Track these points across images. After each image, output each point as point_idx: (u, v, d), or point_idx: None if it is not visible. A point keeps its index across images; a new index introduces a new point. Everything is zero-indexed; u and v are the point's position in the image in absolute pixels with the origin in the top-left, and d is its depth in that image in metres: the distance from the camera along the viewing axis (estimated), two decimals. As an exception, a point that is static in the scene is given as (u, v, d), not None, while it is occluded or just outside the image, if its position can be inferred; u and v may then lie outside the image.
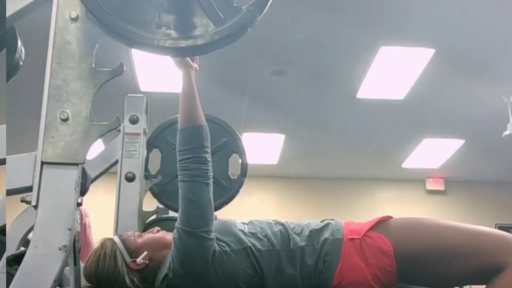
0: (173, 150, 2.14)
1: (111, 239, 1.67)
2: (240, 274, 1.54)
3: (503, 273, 1.44)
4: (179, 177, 1.58)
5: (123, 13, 1.12)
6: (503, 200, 7.77)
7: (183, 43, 1.12)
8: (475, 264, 1.49)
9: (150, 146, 2.19)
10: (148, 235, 1.69)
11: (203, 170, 1.57)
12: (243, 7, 1.13)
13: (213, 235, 1.55)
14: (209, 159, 1.59)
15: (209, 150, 1.61)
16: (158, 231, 1.72)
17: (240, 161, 2.20)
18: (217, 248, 1.54)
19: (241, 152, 2.19)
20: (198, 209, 1.54)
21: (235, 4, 1.14)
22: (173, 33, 1.12)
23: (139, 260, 1.60)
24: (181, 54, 1.40)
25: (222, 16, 1.12)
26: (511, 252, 1.47)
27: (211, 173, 1.59)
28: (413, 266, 1.53)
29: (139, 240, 1.66)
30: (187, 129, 1.60)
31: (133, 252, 1.63)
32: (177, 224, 1.56)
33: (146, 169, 2.18)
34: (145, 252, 1.62)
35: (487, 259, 1.48)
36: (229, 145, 2.17)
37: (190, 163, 1.56)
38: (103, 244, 1.65)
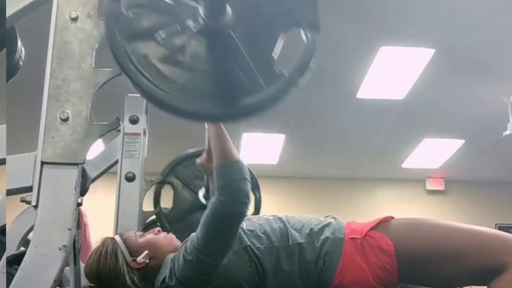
0: (185, 187, 2.09)
1: (112, 238, 1.68)
2: (242, 273, 1.55)
3: (504, 274, 1.45)
4: (213, 207, 1.48)
5: (163, 80, 1.06)
6: (503, 200, 7.77)
7: (224, 110, 1.06)
8: (475, 265, 1.49)
9: (162, 182, 2.17)
10: (149, 235, 1.70)
11: (241, 213, 1.49)
12: (285, 72, 1.09)
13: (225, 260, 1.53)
14: (250, 197, 1.50)
15: (250, 186, 1.51)
16: (159, 231, 1.73)
17: (253, 197, 2.18)
18: None
19: (255, 188, 2.15)
20: (221, 244, 1.51)
21: (276, 70, 1.09)
22: (213, 100, 1.06)
23: (140, 259, 1.61)
24: (223, 120, 1.34)
25: (262, 82, 1.07)
26: (510, 252, 1.47)
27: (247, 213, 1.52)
28: (414, 265, 1.53)
29: (140, 240, 1.66)
30: (227, 164, 1.51)
31: (134, 251, 1.63)
32: (192, 247, 1.51)
33: (157, 206, 2.17)
34: (146, 252, 1.62)
35: (488, 260, 1.48)
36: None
37: (232, 200, 1.47)
38: (104, 242, 1.66)
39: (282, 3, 1.14)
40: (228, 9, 1.08)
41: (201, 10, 1.07)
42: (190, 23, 1.07)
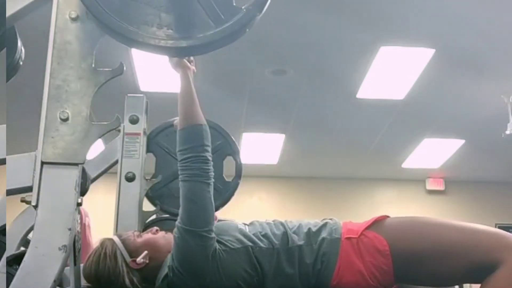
0: (167, 154, 2.15)
1: (111, 239, 1.67)
2: (240, 273, 1.55)
3: (499, 270, 1.45)
4: (180, 176, 1.58)
5: (124, 14, 1.13)
6: (503, 200, 7.76)
7: (184, 43, 1.13)
8: (471, 261, 1.49)
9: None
10: (147, 235, 1.69)
11: (204, 169, 1.57)
12: (243, 7, 1.14)
13: (213, 234, 1.55)
14: (210, 158, 1.59)
15: (209, 149, 1.60)
16: (157, 231, 1.72)
17: (234, 163, 2.21)
18: (218, 246, 1.55)
19: (235, 154, 2.21)
20: (199, 209, 1.55)
21: (234, 4, 1.14)
22: (173, 33, 1.13)
23: (139, 259, 1.61)
24: (182, 53, 1.41)
25: (222, 16, 1.12)
26: (506, 248, 1.48)
27: (212, 173, 1.59)
28: (410, 265, 1.53)
29: (139, 240, 1.66)
30: (187, 129, 1.60)
31: (133, 252, 1.63)
32: (178, 223, 1.56)
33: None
34: (145, 252, 1.62)
35: (483, 256, 1.48)
36: (223, 148, 2.18)
37: (190, 163, 1.56)
38: (103, 244, 1.66)
39: None
40: None
41: None
42: None
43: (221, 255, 1.54)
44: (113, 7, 1.13)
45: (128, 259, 1.61)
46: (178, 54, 1.32)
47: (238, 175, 2.21)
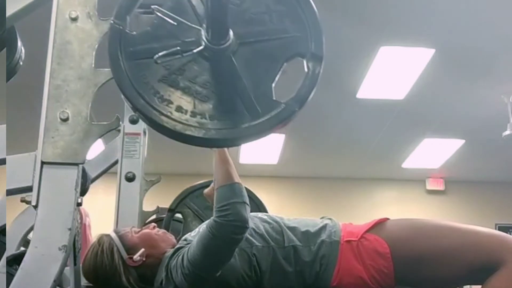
0: (196, 217, 2.08)
1: (108, 235, 1.67)
2: (238, 275, 1.54)
3: (499, 271, 1.45)
4: (210, 228, 1.46)
5: (159, 99, 1.07)
6: (503, 200, 7.76)
7: (217, 135, 1.05)
8: (471, 263, 1.49)
9: (172, 211, 2.15)
10: (145, 231, 1.69)
11: (237, 239, 1.46)
12: (282, 102, 1.09)
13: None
14: (249, 223, 1.47)
15: (249, 209, 1.49)
16: (154, 227, 1.72)
17: None
18: None
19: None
20: (217, 262, 1.49)
21: (274, 98, 1.09)
22: (207, 123, 1.06)
23: (136, 257, 1.60)
24: (215, 145, 1.30)
25: (259, 109, 1.07)
26: (506, 249, 1.48)
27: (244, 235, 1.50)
28: (411, 267, 1.53)
29: (136, 236, 1.66)
30: (226, 186, 1.48)
31: (130, 249, 1.62)
32: (188, 261, 1.49)
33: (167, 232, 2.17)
34: (142, 249, 1.61)
35: (483, 257, 1.48)
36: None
37: (228, 223, 1.44)
38: (100, 240, 1.65)
39: (287, 32, 1.13)
40: (231, 33, 1.08)
41: (203, 33, 1.07)
42: (192, 45, 1.06)
43: None
44: (147, 89, 1.06)
45: (125, 256, 1.61)
46: (209, 145, 1.18)
47: None
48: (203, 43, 1.06)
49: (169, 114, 1.05)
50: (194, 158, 5.26)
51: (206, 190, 1.77)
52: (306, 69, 1.15)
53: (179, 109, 1.06)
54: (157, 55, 1.03)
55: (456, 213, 7.50)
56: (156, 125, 1.06)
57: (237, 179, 1.51)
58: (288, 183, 7.82)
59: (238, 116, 1.06)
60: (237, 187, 1.48)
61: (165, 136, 1.06)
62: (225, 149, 1.55)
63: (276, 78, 1.12)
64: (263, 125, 1.06)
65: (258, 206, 2.15)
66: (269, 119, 1.07)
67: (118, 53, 1.07)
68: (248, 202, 1.48)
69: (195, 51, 1.06)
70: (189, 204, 2.14)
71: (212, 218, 1.46)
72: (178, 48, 1.05)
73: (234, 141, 1.10)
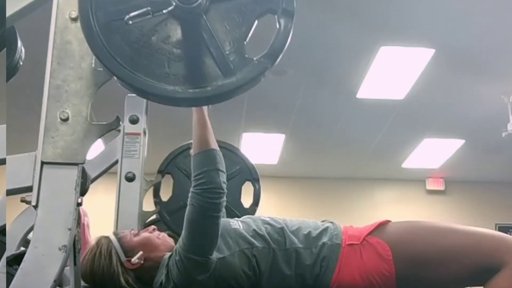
0: (185, 177, 2.07)
1: (107, 237, 1.67)
2: (237, 275, 1.54)
3: (501, 272, 1.45)
4: (190, 199, 1.53)
5: (133, 62, 1.09)
6: (503, 200, 7.76)
7: (192, 94, 1.08)
8: (472, 265, 1.49)
9: (162, 172, 2.16)
10: (144, 234, 1.69)
11: (215, 203, 1.50)
12: (254, 58, 1.09)
13: (214, 256, 1.53)
14: (224, 186, 1.52)
15: (224, 175, 1.54)
16: (154, 230, 1.72)
17: (253, 188, 2.16)
18: (215, 256, 1.54)
19: (254, 180, 2.16)
20: (204, 240, 1.52)
21: (246, 56, 1.10)
22: (182, 82, 1.08)
23: (134, 260, 1.60)
24: (189, 104, 1.31)
25: (232, 67, 1.08)
26: (507, 251, 1.48)
27: (224, 203, 1.54)
28: (412, 270, 1.53)
29: (135, 239, 1.66)
30: (200, 153, 1.54)
31: (129, 251, 1.62)
32: (178, 247, 1.54)
33: (157, 195, 2.16)
34: (141, 252, 1.61)
35: (484, 259, 1.48)
36: (242, 173, 2.14)
37: (203, 191, 1.50)
38: (98, 242, 1.65)
39: None
40: None
41: None
42: (163, 5, 1.07)
43: (219, 265, 1.53)
44: (123, 55, 1.08)
45: (124, 259, 1.61)
46: (185, 104, 1.21)
47: (256, 201, 2.16)
48: (174, 3, 1.06)
49: (143, 75, 1.07)
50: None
51: (191, 151, 1.78)
52: (277, 25, 1.15)
53: (152, 70, 1.08)
54: (127, 16, 1.05)
55: (456, 213, 7.50)
56: (132, 87, 1.09)
57: (213, 144, 1.56)
58: (288, 183, 7.82)
59: (212, 74, 1.09)
60: (212, 154, 1.53)
61: (141, 97, 1.12)
62: (204, 111, 1.59)
63: (249, 36, 1.13)
64: (236, 82, 1.08)
65: (244, 161, 2.16)
66: (242, 77, 1.09)
67: (89, 16, 1.09)
68: (222, 168, 1.54)
69: (165, 11, 1.07)
70: (178, 165, 2.16)
71: (190, 189, 1.52)
72: (149, 8, 1.06)
73: (208, 100, 1.12)
